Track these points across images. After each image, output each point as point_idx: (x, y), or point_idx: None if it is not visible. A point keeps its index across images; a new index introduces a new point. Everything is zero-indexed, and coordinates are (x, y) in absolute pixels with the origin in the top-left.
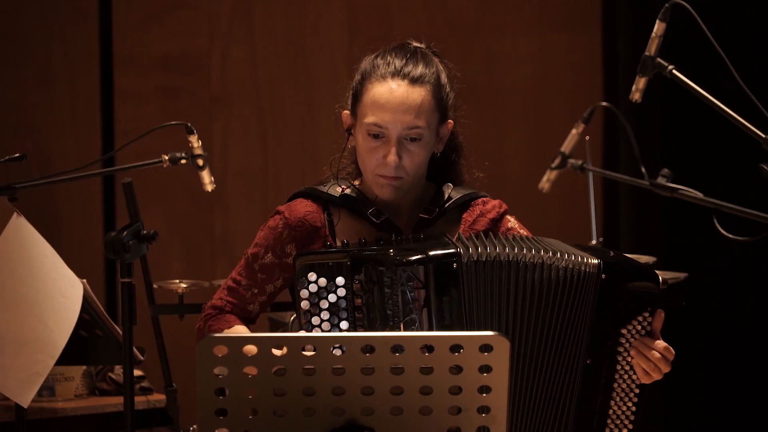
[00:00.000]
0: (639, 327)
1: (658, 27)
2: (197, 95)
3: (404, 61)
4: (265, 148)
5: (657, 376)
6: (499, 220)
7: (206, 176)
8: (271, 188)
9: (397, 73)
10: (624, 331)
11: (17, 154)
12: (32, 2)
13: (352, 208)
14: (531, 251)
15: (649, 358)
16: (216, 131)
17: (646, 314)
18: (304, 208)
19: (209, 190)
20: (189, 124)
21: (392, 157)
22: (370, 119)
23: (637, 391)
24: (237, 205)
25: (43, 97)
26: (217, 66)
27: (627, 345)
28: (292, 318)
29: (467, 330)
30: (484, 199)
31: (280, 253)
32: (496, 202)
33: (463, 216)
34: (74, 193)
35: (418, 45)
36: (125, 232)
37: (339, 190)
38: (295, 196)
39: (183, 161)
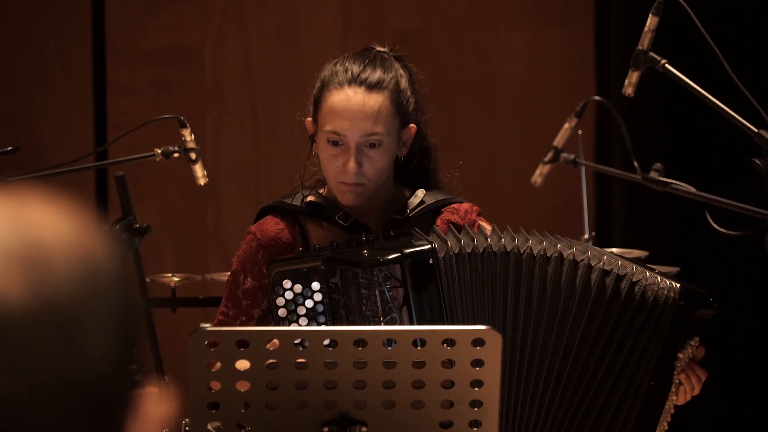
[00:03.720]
0: (690, 351)
1: (651, 21)
2: (190, 89)
3: (362, 67)
4: (258, 141)
5: (684, 401)
6: (471, 226)
7: (199, 170)
8: (264, 182)
9: (354, 80)
10: (681, 356)
11: (10, 147)
12: None
13: (319, 215)
14: (568, 248)
15: (694, 386)
16: (209, 125)
17: (697, 338)
18: (274, 226)
19: (202, 183)
20: (182, 118)
21: (351, 165)
22: (328, 127)
23: (672, 411)
24: (230, 198)
25: (35, 91)
26: (210, 60)
27: (679, 368)
28: None
29: (449, 324)
30: (455, 205)
31: (258, 275)
32: (467, 206)
33: (437, 222)
34: (67, 186)
35: (380, 50)
36: (118, 226)
37: (306, 200)
38: (264, 211)
39: (176, 155)
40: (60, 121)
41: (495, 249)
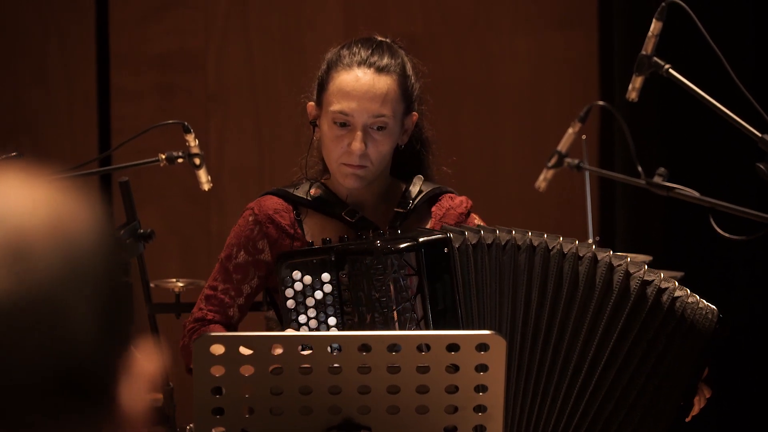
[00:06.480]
0: (706, 369)
1: (655, 26)
2: (194, 93)
3: (370, 51)
4: (261, 145)
5: (689, 418)
6: (466, 215)
7: (203, 175)
8: (268, 186)
9: (363, 62)
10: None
11: (13, 153)
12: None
13: (323, 209)
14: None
15: (701, 404)
16: (212, 129)
17: (710, 357)
18: (273, 204)
19: (206, 189)
20: (186, 123)
21: (357, 144)
22: (335, 107)
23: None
24: (233, 203)
25: (39, 96)
26: (213, 64)
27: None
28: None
29: (461, 314)
30: (451, 195)
31: (252, 250)
32: (462, 198)
33: (432, 209)
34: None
35: (383, 39)
36: (122, 231)
37: (311, 192)
38: (265, 194)
39: (180, 160)
40: (63, 125)
41: (519, 243)
